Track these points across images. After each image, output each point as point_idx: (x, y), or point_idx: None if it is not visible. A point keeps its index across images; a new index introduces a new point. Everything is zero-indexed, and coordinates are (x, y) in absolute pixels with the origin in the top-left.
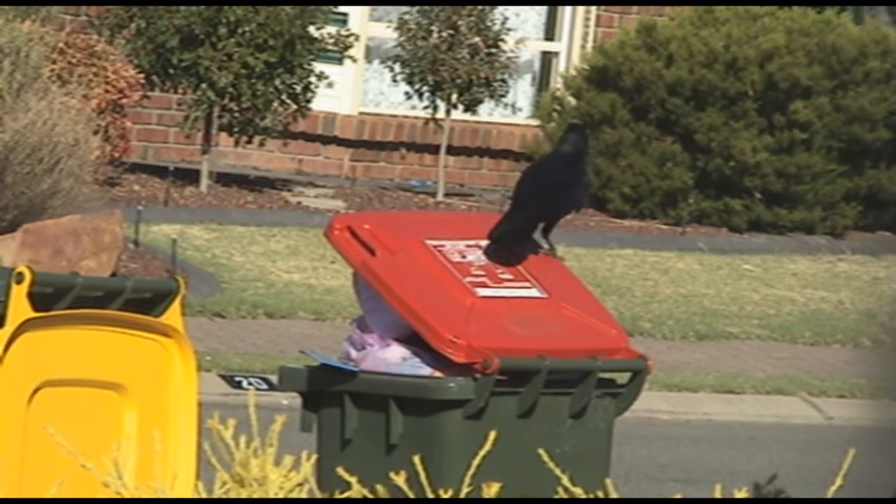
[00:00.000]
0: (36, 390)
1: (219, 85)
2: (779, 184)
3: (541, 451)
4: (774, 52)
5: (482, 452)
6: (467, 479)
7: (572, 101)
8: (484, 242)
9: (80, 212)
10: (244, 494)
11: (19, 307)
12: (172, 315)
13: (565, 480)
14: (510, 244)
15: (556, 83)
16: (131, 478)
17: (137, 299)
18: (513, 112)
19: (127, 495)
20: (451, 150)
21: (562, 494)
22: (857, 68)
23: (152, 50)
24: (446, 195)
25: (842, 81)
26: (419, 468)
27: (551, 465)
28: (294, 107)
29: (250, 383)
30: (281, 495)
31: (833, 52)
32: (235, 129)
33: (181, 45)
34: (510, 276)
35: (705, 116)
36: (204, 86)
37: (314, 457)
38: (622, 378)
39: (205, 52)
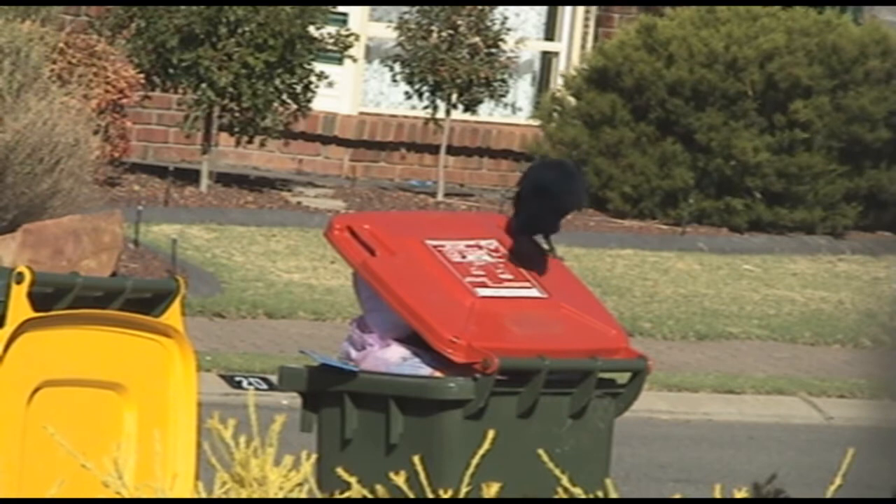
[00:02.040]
0: (36, 390)
1: (219, 85)
2: (779, 184)
3: (540, 451)
4: (775, 52)
5: (482, 452)
6: (466, 479)
7: (572, 101)
8: (484, 242)
9: (80, 212)
10: (244, 494)
11: (19, 307)
12: (172, 315)
13: (565, 481)
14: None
15: (557, 83)
16: (131, 478)
17: (137, 299)
18: (513, 112)
19: (127, 495)
20: (451, 150)
21: (562, 494)
22: (857, 68)
23: (152, 50)
24: (446, 195)
25: (842, 81)
26: (419, 468)
27: (551, 465)
28: (294, 107)
29: (250, 383)
30: (281, 495)
31: (833, 52)
32: (236, 129)
33: (181, 45)
34: (510, 276)
35: (705, 116)
36: (204, 86)
37: (314, 457)
38: (622, 378)
39: (205, 52)
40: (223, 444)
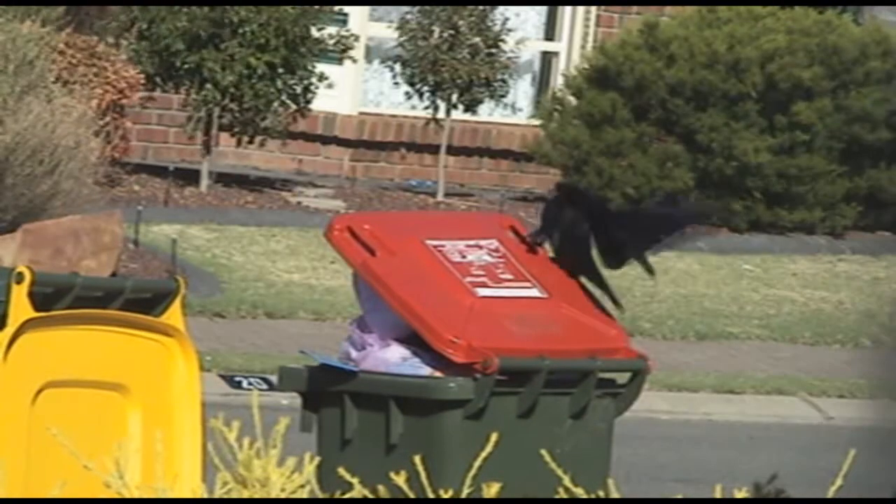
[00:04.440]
0: (39, 391)
1: (222, 85)
2: (780, 185)
3: (542, 451)
4: (776, 53)
5: (484, 454)
6: (468, 480)
7: (573, 100)
8: (484, 242)
9: (81, 212)
10: (245, 495)
11: (20, 307)
12: (173, 315)
13: (567, 481)
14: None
15: (557, 83)
16: (136, 478)
17: (137, 299)
18: (513, 112)
19: (128, 495)
20: (451, 150)
21: (562, 495)
22: (857, 69)
23: (155, 52)
24: (446, 195)
25: (842, 82)
26: (419, 468)
27: (552, 465)
28: (294, 107)
29: (250, 383)
30: (283, 496)
31: (834, 53)
32: (236, 130)
33: (185, 48)
34: (510, 276)
35: (706, 117)
36: (209, 86)
37: (317, 459)
38: (622, 378)
39: (208, 54)
40: (225, 444)
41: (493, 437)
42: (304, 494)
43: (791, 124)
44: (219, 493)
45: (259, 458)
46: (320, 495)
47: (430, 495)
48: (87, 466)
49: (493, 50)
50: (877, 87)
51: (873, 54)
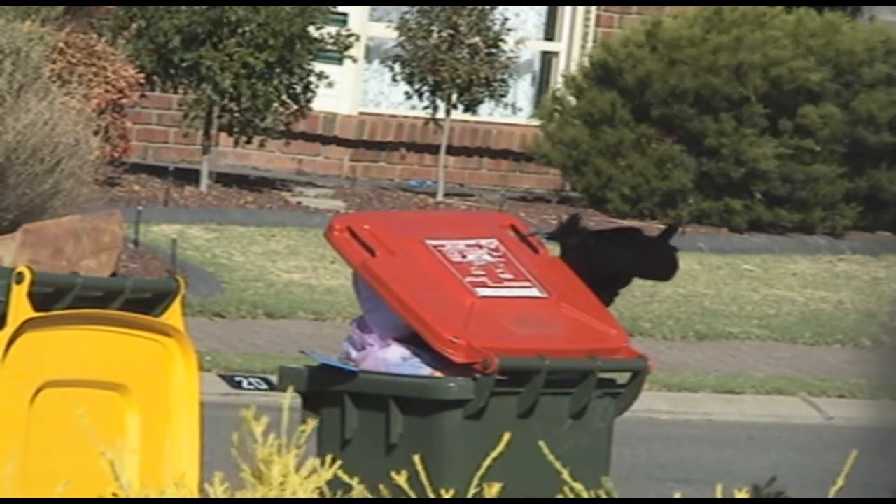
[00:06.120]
0: (38, 391)
1: (221, 85)
2: (783, 189)
3: (543, 445)
4: (781, 55)
5: (493, 455)
6: (475, 481)
7: (573, 100)
8: (484, 241)
9: (81, 212)
10: (261, 492)
11: (20, 307)
12: (173, 315)
13: (566, 475)
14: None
15: (557, 83)
16: (135, 478)
17: (137, 299)
18: (513, 112)
19: (133, 495)
20: (451, 150)
21: (564, 491)
22: (863, 70)
23: (153, 50)
24: (446, 195)
25: (847, 82)
26: (419, 468)
27: (555, 462)
28: (294, 107)
29: (250, 383)
30: (300, 496)
31: (839, 55)
32: (236, 129)
33: (183, 46)
34: (510, 276)
35: (707, 119)
36: (205, 85)
37: (338, 462)
38: (622, 378)
39: (206, 53)
40: (227, 442)
41: (502, 438)
42: (314, 494)
43: (796, 127)
44: (220, 492)
45: (280, 457)
46: (328, 494)
47: (431, 495)
48: (111, 463)
49: (493, 50)
50: (881, 88)
51: (878, 55)
